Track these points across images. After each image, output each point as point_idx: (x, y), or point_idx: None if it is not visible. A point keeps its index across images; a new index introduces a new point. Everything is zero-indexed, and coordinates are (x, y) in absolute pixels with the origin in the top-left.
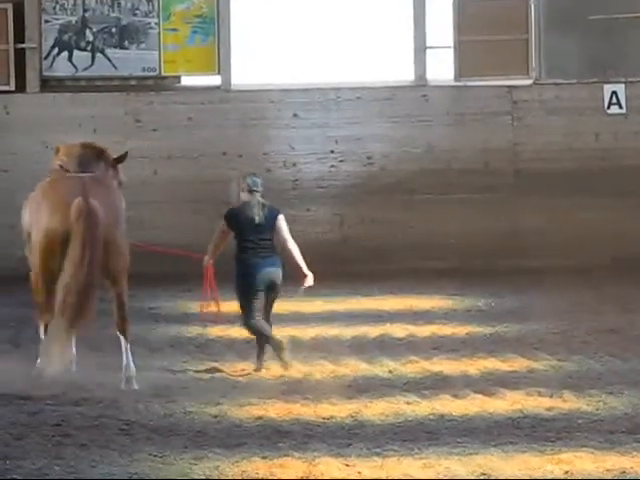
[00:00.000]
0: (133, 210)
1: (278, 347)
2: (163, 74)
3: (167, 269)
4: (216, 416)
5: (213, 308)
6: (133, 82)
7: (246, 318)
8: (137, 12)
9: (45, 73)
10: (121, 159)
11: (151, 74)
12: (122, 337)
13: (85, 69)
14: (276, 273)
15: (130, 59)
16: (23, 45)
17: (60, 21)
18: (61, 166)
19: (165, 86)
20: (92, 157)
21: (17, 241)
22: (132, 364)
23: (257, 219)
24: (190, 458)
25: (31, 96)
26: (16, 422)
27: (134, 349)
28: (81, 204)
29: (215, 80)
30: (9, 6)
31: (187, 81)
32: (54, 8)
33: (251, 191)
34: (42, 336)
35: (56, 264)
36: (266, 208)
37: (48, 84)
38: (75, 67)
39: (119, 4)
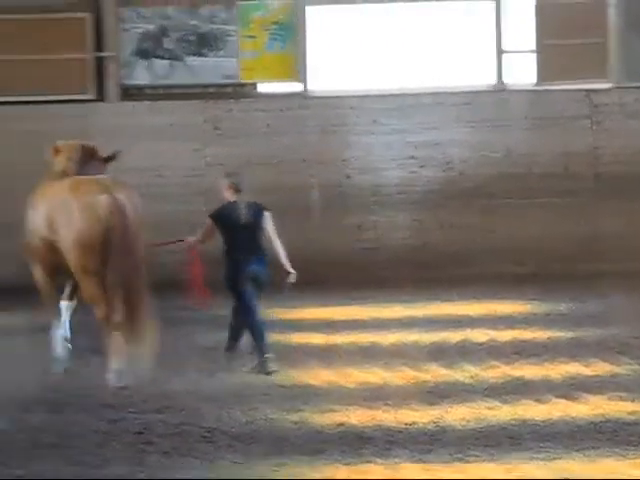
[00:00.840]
0: None
1: (263, 362)
2: (242, 81)
3: None
4: (297, 423)
5: (201, 292)
6: (212, 90)
7: (251, 318)
8: (215, 20)
9: (124, 82)
10: (110, 158)
11: (230, 81)
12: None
13: (164, 77)
14: (260, 271)
15: (209, 67)
16: (102, 54)
17: (139, 29)
18: (64, 169)
19: (244, 93)
20: (87, 157)
21: None
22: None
23: (244, 219)
24: (271, 465)
25: (111, 105)
26: (98, 430)
27: (215, 357)
28: (111, 201)
29: (294, 87)
30: (88, 15)
31: (266, 88)
32: (133, 17)
33: (237, 190)
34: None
35: (93, 261)
36: (252, 207)
37: (127, 93)
38: (154, 75)
39: (198, 12)
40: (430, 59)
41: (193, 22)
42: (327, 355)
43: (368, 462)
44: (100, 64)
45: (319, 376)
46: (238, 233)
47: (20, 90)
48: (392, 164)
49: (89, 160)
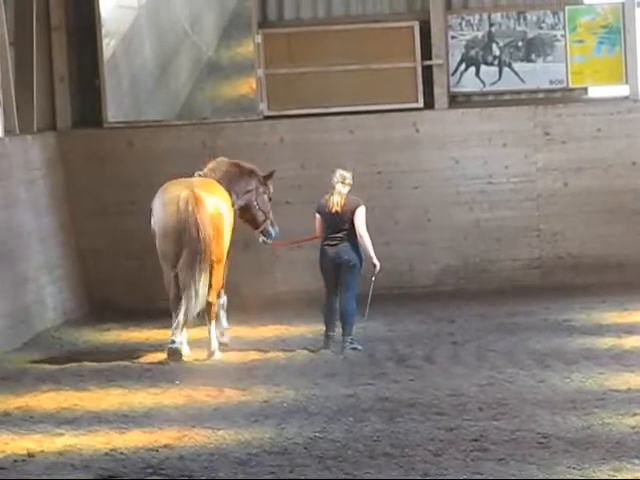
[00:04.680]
0: (544, 222)
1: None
2: (570, 86)
3: (581, 281)
4: (634, 427)
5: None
6: (541, 95)
7: (326, 300)
8: (543, 25)
9: (453, 89)
10: (269, 176)
11: (558, 86)
12: (207, 316)
13: (492, 84)
14: (344, 256)
15: (537, 72)
16: (430, 62)
17: (466, 37)
18: (199, 174)
19: (573, 98)
20: (240, 174)
21: (431, 256)
22: (214, 342)
23: (334, 209)
24: (609, 470)
25: (439, 112)
26: (434, 438)
27: (550, 362)
28: (189, 195)
29: (623, 90)
30: (416, 24)
31: (594, 92)
32: (460, 24)
33: (337, 183)
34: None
35: (171, 249)
36: (346, 199)
37: (456, 100)
38: (482, 82)
39: (525, 18)
40: None
41: (520, 28)
42: None
43: None
44: (429, 72)
45: None
46: (329, 222)
47: (350, 100)
48: None
49: (244, 178)
